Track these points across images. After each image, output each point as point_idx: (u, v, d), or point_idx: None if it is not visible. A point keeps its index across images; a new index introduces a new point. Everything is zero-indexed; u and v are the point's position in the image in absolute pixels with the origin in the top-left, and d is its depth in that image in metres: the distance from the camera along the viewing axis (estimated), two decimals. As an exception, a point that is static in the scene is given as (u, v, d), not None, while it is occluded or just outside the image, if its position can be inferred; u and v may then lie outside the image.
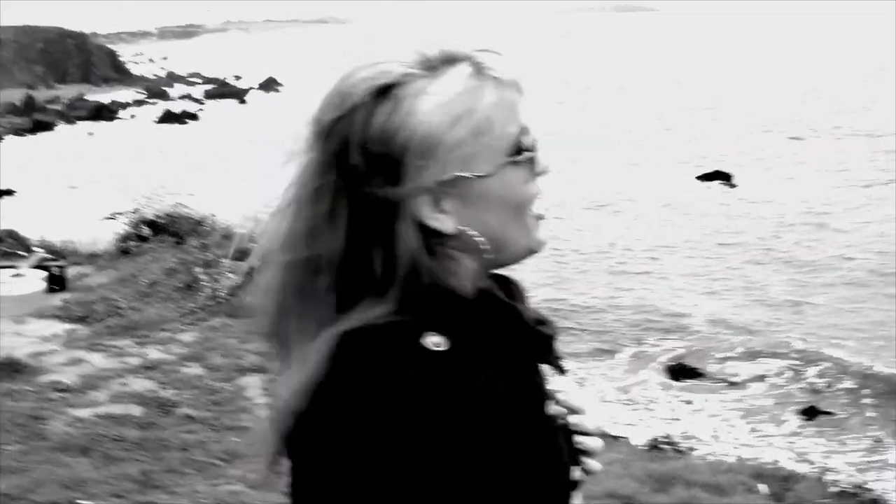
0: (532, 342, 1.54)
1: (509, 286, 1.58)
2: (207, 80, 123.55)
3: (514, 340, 1.50)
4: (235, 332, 10.53)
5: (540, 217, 1.53)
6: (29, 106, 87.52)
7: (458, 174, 1.42)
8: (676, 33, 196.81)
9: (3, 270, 12.71)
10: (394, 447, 1.35)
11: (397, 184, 1.41)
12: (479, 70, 1.45)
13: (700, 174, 37.69)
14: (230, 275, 11.42)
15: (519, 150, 1.46)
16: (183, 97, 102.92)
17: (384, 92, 1.41)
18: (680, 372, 16.23)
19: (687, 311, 20.05)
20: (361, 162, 1.40)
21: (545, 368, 1.56)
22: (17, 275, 12.47)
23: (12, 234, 16.34)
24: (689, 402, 14.77)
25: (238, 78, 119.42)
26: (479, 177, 1.43)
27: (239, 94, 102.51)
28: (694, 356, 17.04)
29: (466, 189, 1.44)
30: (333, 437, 1.35)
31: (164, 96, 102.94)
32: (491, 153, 1.43)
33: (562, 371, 1.59)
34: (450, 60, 1.45)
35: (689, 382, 15.80)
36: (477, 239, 1.45)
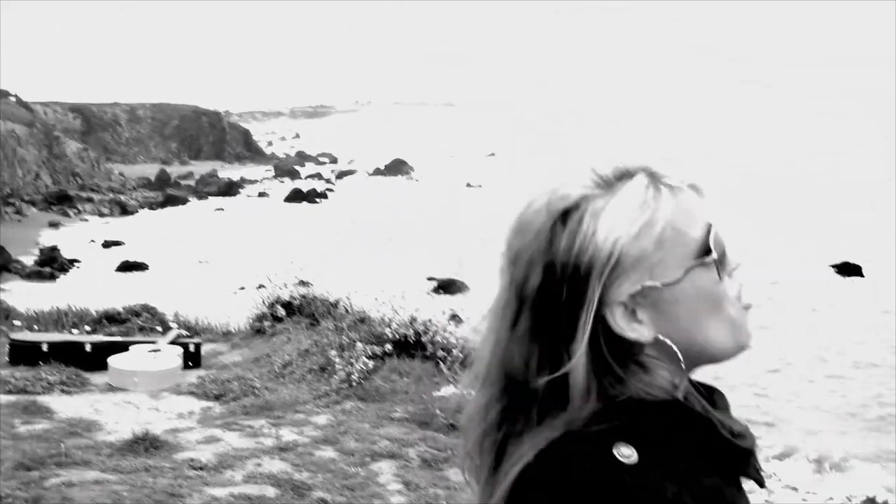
0: (727, 456, 1.52)
1: (711, 395, 1.57)
2: (336, 160, 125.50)
3: (708, 455, 1.49)
4: (368, 416, 10.58)
5: (747, 307, 1.54)
6: (162, 181, 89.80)
7: (647, 284, 1.45)
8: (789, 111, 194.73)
9: (140, 346, 12.95)
10: None
11: (583, 301, 1.44)
12: (654, 180, 1.47)
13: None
14: (365, 359, 11.49)
15: (706, 251, 1.47)
16: (312, 176, 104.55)
17: (565, 215, 1.46)
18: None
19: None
20: (548, 282, 1.45)
21: (742, 481, 1.54)
22: (155, 350, 12.70)
23: (148, 309, 16.67)
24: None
25: (366, 158, 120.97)
26: (668, 284, 1.45)
27: (367, 175, 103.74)
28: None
29: (658, 297, 1.46)
30: None
31: (293, 175, 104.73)
32: (677, 259, 1.45)
33: (761, 484, 1.57)
34: (624, 175, 1.48)
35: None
36: (673, 347, 1.47)
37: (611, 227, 1.43)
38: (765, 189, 74.93)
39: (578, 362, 1.44)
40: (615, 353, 1.46)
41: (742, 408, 19.80)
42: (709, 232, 1.48)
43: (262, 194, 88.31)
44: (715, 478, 1.50)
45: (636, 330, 1.46)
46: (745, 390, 22.31)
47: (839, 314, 33.11)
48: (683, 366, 1.48)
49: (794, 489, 15.87)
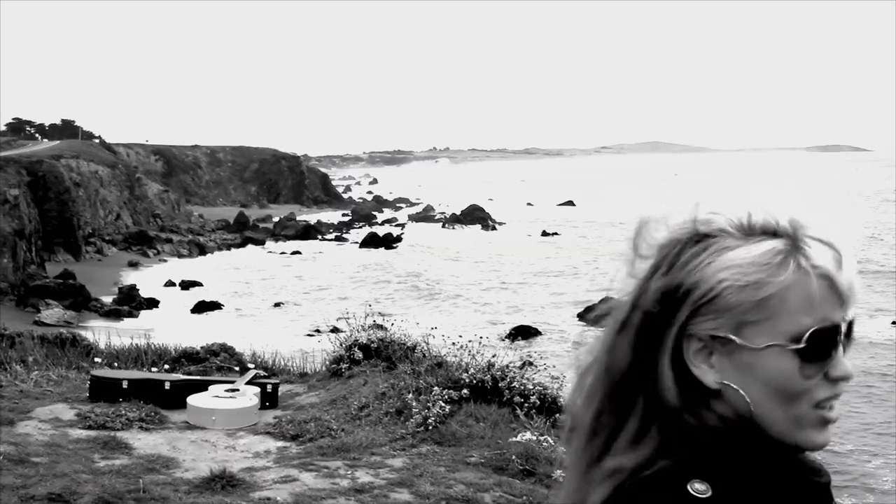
0: (801, 492, 1.51)
1: None
2: (413, 205, 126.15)
3: (782, 490, 1.48)
4: (444, 460, 10.55)
5: (826, 420, 1.50)
6: (241, 223, 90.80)
7: (729, 336, 1.45)
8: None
9: (218, 385, 13.05)
10: None
11: (671, 322, 1.47)
12: (793, 251, 1.46)
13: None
14: (442, 403, 11.47)
15: (808, 342, 1.44)
16: (387, 221, 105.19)
17: (699, 239, 1.48)
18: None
19: None
20: (655, 289, 1.48)
21: None
22: (233, 390, 12.79)
23: (226, 349, 16.80)
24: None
25: (444, 204, 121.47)
26: (745, 346, 1.45)
27: (442, 221, 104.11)
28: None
29: (737, 354, 1.46)
30: None
31: (370, 219, 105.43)
32: (771, 331, 1.44)
33: None
34: (770, 232, 1.47)
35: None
36: (742, 398, 1.47)
37: (724, 267, 1.44)
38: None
39: (665, 375, 1.47)
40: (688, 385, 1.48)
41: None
42: (817, 330, 1.45)
43: (339, 238, 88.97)
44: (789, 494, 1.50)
45: (702, 369, 1.47)
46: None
47: None
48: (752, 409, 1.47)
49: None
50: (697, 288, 1.44)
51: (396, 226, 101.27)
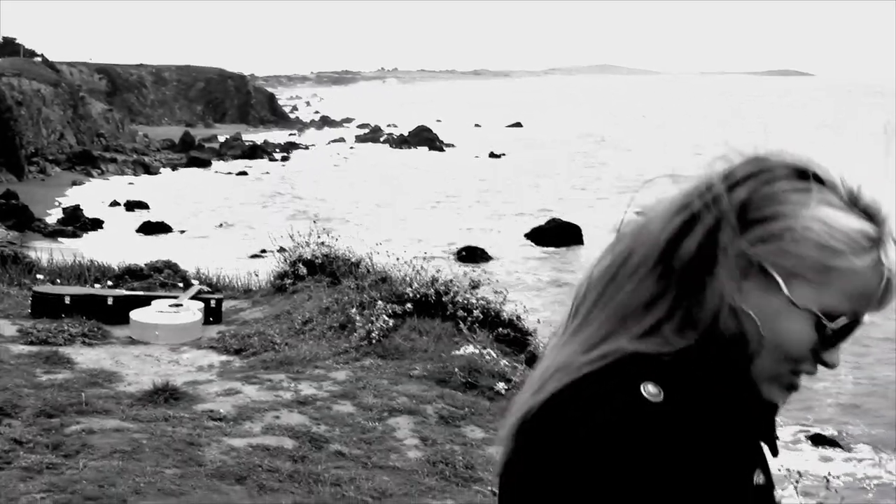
0: (751, 415, 1.54)
1: None
2: (360, 125, 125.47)
3: (731, 418, 1.50)
4: (387, 373, 10.62)
5: (793, 387, 1.54)
6: (186, 143, 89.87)
7: (778, 279, 1.45)
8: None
9: (162, 300, 13.02)
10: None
11: (737, 238, 1.46)
12: (880, 243, 1.45)
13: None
14: (385, 317, 11.52)
15: (830, 318, 1.46)
16: (335, 141, 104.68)
17: (802, 174, 1.46)
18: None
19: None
20: (732, 202, 1.46)
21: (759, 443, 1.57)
22: (176, 305, 12.76)
23: (170, 266, 16.74)
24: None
25: (391, 125, 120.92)
26: (785, 295, 1.45)
27: (389, 142, 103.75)
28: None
29: (771, 295, 1.46)
30: (561, 442, 1.41)
31: (316, 139, 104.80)
32: (815, 297, 1.45)
33: (775, 451, 1.59)
34: (869, 214, 1.46)
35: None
36: (756, 328, 1.47)
37: (819, 219, 1.44)
38: None
39: (723, 278, 1.47)
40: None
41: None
42: (852, 321, 1.48)
43: (284, 158, 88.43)
44: (737, 430, 1.52)
45: (726, 284, 1.47)
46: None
47: None
48: (751, 349, 1.49)
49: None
50: (782, 221, 1.44)
51: (343, 145, 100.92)
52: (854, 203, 1.46)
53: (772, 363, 1.49)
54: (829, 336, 1.46)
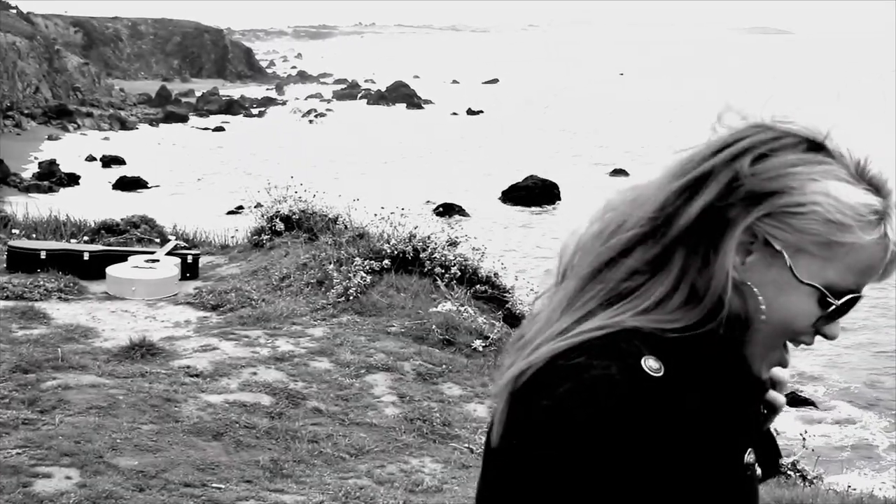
0: (746, 391, 1.54)
1: None
2: (338, 81, 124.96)
3: (731, 384, 1.50)
4: (365, 329, 10.62)
5: (783, 363, 1.55)
6: (163, 97, 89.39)
7: (784, 254, 1.43)
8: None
9: (138, 256, 12.96)
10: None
11: (748, 210, 1.44)
12: (885, 216, 1.44)
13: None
14: (363, 274, 11.50)
15: (834, 293, 1.45)
16: (312, 96, 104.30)
17: (815, 146, 1.45)
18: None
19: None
20: (741, 174, 1.43)
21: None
22: (153, 260, 12.71)
23: (147, 221, 16.66)
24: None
25: (369, 81, 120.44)
26: (789, 268, 1.44)
27: (367, 98, 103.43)
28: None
29: (775, 271, 1.45)
30: (553, 416, 1.38)
31: (293, 94, 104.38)
32: (819, 272, 1.44)
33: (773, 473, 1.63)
34: (875, 187, 1.45)
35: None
36: (757, 302, 1.47)
37: (827, 193, 1.42)
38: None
39: (727, 255, 1.44)
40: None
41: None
42: (855, 295, 1.47)
43: (261, 113, 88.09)
44: (733, 408, 1.51)
45: (728, 256, 1.44)
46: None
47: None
48: (756, 325, 1.48)
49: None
50: (789, 195, 1.42)
51: (321, 100, 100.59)
52: (861, 175, 1.44)
53: (771, 338, 1.49)
54: (835, 312, 1.46)
